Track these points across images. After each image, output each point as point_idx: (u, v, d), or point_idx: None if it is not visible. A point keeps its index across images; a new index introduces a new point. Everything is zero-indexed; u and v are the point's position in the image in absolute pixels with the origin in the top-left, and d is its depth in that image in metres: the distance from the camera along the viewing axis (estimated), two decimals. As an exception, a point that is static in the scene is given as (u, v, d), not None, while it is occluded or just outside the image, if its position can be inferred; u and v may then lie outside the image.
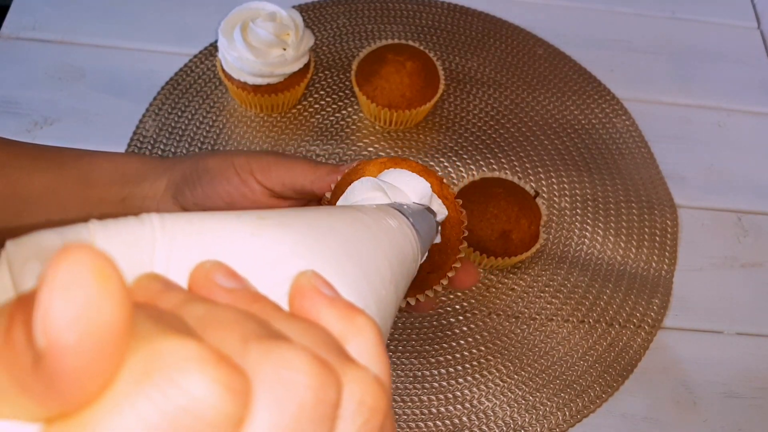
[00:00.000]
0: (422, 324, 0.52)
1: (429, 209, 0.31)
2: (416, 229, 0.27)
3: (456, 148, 0.60)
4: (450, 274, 0.34)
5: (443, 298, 0.53)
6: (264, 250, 0.19)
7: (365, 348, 0.16)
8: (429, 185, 0.31)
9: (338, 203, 0.33)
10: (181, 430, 0.11)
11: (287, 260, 0.19)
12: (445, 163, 0.59)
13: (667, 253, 0.57)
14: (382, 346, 0.17)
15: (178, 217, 0.19)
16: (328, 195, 0.35)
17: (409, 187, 0.31)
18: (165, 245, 0.17)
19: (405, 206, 0.29)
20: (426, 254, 0.30)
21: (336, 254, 0.20)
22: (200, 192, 0.36)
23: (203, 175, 0.36)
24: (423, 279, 0.34)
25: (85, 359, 0.11)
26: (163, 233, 0.18)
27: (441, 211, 0.32)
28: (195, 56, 0.62)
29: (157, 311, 0.14)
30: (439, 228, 0.32)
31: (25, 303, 0.11)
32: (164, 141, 0.58)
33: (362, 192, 0.32)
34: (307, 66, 0.57)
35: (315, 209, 0.23)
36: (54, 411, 0.11)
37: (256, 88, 0.56)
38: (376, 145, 0.59)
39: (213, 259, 0.17)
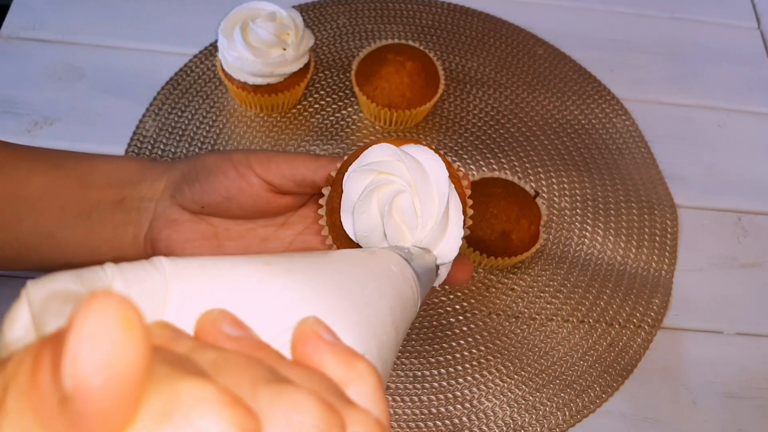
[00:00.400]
0: (422, 324, 0.52)
1: (427, 251, 0.31)
2: (417, 275, 0.27)
3: (456, 148, 0.60)
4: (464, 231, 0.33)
5: (443, 298, 0.53)
6: (270, 297, 0.20)
7: (365, 392, 0.17)
8: (446, 171, 0.31)
9: (351, 167, 0.32)
10: None
11: (292, 308, 0.19)
12: (445, 163, 0.59)
13: (667, 253, 0.57)
14: (381, 391, 0.18)
15: (189, 263, 0.19)
16: (325, 191, 0.35)
17: (428, 164, 0.31)
18: (176, 293, 0.18)
19: (407, 250, 0.29)
20: (425, 297, 0.30)
21: (339, 301, 0.21)
22: (198, 188, 0.36)
23: (201, 171, 0.36)
24: None
25: (109, 401, 0.11)
26: (176, 280, 0.19)
27: (446, 252, 0.32)
28: (195, 56, 0.62)
29: (172, 355, 0.14)
30: (439, 270, 0.31)
31: (49, 345, 0.12)
32: (164, 141, 0.58)
33: (379, 155, 0.31)
34: (307, 66, 0.57)
35: (321, 254, 0.24)
36: None
37: (256, 88, 0.56)
38: (376, 145, 0.59)
39: (219, 308, 0.18)
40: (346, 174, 0.32)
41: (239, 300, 0.19)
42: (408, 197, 0.30)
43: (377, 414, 0.17)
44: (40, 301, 0.16)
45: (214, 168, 0.35)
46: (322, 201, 0.35)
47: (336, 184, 0.34)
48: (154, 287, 0.18)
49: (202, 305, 0.18)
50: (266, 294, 0.20)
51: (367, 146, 0.33)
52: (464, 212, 0.32)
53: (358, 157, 0.33)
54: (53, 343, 0.12)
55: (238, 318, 0.17)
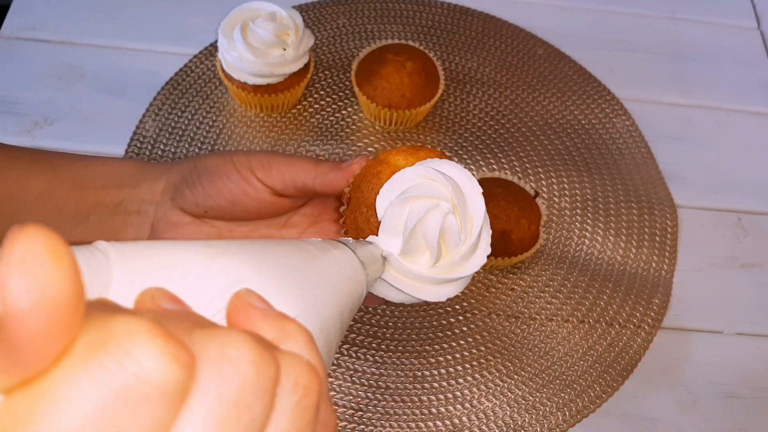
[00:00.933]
0: (422, 324, 0.52)
1: (369, 242, 0.32)
2: (362, 263, 0.29)
3: (456, 148, 0.60)
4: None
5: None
6: (209, 278, 0.20)
7: (297, 347, 0.18)
8: (479, 187, 0.32)
9: (382, 192, 0.32)
10: (132, 396, 0.12)
11: (231, 286, 0.20)
12: (445, 163, 0.59)
13: (667, 253, 0.57)
14: (314, 346, 0.18)
15: (130, 246, 0.20)
16: (347, 190, 0.35)
17: (462, 181, 0.32)
18: (118, 275, 0.19)
19: (350, 241, 0.30)
20: (374, 282, 0.31)
21: (279, 279, 0.22)
22: (201, 191, 0.35)
23: (203, 173, 0.36)
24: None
25: (41, 326, 0.12)
26: (119, 263, 0.19)
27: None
28: (195, 56, 0.62)
29: (111, 305, 0.15)
30: (386, 260, 0.32)
31: None
32: (164, 141, 0.58)
33: (412, 177, 0.32)
34: (307, 66, 0.57)
35: (263, 240, 0.25)
36: (15, 379, 0.12)
37: (256, 88, 0.56)
38: (376, 145, 0.59)
39: (157, 286, 0.18)
40: (383, 204, 0.32)
41: (179, 280, 0.20)
42: (452, 218, 0.31)
43: (310, 360, 0.17)
44: None
45: (216, 171, 0.35)
46: (342, 221, 0.35)
47: (361, 181, 0.33)
48: (99, 269, 0.18)
49: (143, 286, 0.18)
50: (206, 274, 0.20)
51: (377, 155, 0.34)
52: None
53: (371, 169, 0.33)
54: None
55: (175, 295, 0.18)
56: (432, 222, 0.31)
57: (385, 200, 0.32)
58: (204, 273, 0.20)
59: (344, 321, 0.26)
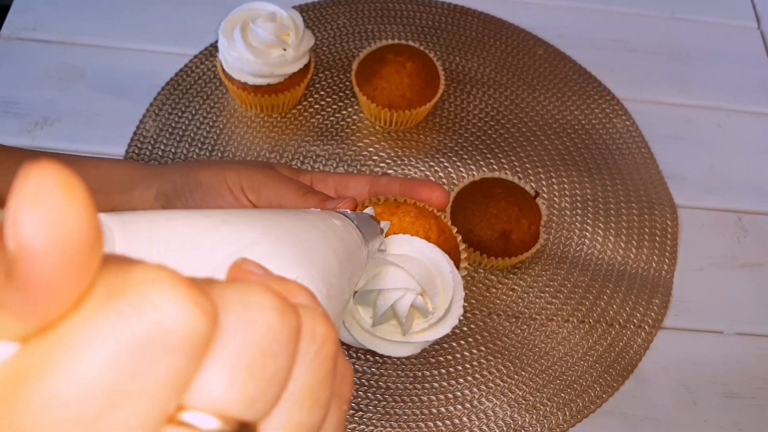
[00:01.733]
0: (422, 324, 0.52)
1: (374, 218, 0.34)
2: (360, 229, 0.29)
3: (456, 148, 0.60)
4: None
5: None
6: (208, 249, 0.20)
7: (301, 302, 0.17)
8: (439, 251, 0.37)
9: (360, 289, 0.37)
10: (153, 346, 0.12)
11: (231, 257, 0.20)
12: (445, 163, 0.59)
13: (667, 253, 0.57)
14: (319, 304, 0.17)
15: (132, 216, 0.20)
16: None
17: (432, 259, 0.37)
18: (122, 246, 0.19)
19: (349, 212, 0.31)
20: (375, 248, 0.33)
21: (281, 246, 0.22)
22: (193, 206, 0.36)
23: (195, 189, 0.36)
24: None
25: (55, 265, 0.11)
26: (121, 234, 0.19)
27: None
28: (195, 57, 0.62)
29: (127, 258, 0.14)
30: (383, 231, 0.35)
31: None
32: (164, 141, 0.58)
33: (373, 269, 0.36)
34: (307, 66, 0.57)
35: (261, 210, 0.25)
36: (30, 326, 0.11)
37: (257, 89, 0.56)
38: (377, 146, 0.60)
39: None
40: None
41: (181, 253, 0.19)
42: (421, 300, 0.36)
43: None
44: None
45: (209, 189, 0.36)
46: None
47: None
48: (104, 242, 0.19)
49: (147, 258, 0.18)
50: (206, 245, 0.20)
51: (363, 204, 0.39)
52: (458, 266, 0.39)
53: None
54: None
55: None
56: (402, 306, 0.36)
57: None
58: (205, 244, 0.20)
59: (351, 286, 0.26)
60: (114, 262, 0.13)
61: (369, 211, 0.34)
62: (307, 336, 0.15)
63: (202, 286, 0.13)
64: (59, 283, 0.11)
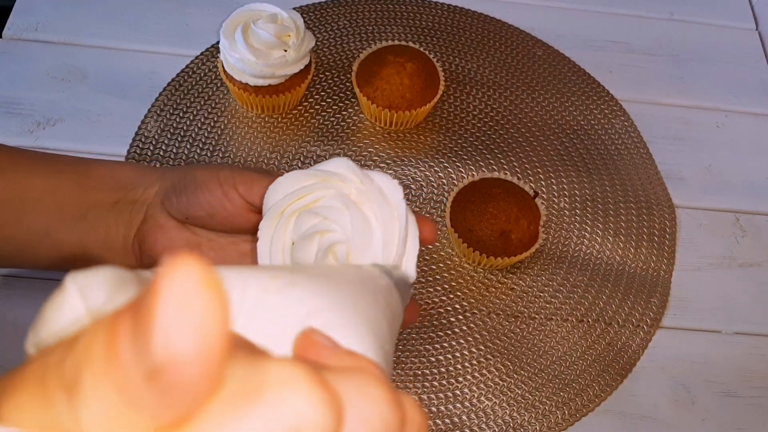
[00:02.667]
0: (422, 324, 0.52)
1: (407, 273, 0.32)
2: (398, 291, 0.28)
3: (456, 148, 0.61)
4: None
5: (443, 298, 0.53)
6: (279, 313, 0.20)
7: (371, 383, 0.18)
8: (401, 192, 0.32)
9: (264, 208, 0.33)
10: None
11: (303, 321, 0.20)
12: (445, 164, 0.60)
13: (665, 253, 0.58)
14: (389, 382, 0.18)
15: None
16: None
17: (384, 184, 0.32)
18: None
19: (387, 267, 0.30)
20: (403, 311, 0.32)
21: (344, 312, 0.22)
22: (184, 200, 0.37)
23: (189, 184, 0.37)
24: None
25: (200, 370, 0.11)
26: None
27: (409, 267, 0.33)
28: (197, 57, 0.63)
29: (239, 339, 0.14)
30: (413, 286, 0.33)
31: (126, 317, 0.11)
32: (166, 142, 0.58)
33: (291, 185, 0.33)
34: (308, 67, 0.58)
35: (320, 268, 0.25)
36: (163, 422, 0.11)
37: (258, 89, 0.56)
38: (377, 146, 0.60)
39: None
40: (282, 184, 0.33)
41: (249, 317, 0.19)
42: (344, 248, 0.32)
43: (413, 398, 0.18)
44: (88, 287, 0.16)
45: (201, 183, 0.37)
46: None
47: None
48: None
49: None
50: (273, 309, 0.20)
51: None
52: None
53: None
54: (131, 315, 0.11)
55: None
56: (322, 243, 0.32)
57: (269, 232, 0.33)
58: (272, 308, 0.20)
59: (393, 354, 0.26)
60: (240, 349, 0.13)
61: (406, 267, 0.32)
62: (411, 426, 0.16)
63: (328, 379, 0.14)
64: (201, 386, 0.11)
